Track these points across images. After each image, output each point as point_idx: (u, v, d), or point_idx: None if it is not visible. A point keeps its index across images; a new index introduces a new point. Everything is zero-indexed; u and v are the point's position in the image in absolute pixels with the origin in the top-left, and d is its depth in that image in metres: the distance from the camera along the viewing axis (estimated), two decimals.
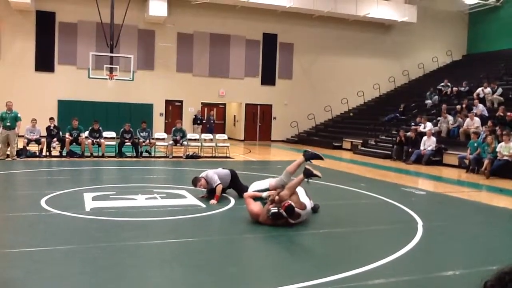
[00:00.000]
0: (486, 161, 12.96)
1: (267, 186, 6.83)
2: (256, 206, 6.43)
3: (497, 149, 13.11)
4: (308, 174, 6.59)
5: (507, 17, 26.30)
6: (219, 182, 7.91)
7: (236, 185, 8.43)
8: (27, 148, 13.90)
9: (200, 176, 8.02)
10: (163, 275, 4.44)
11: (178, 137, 15.47)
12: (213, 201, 7.71)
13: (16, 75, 20.98)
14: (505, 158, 12.79)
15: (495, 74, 21.57)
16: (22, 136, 14.18)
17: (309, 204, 6.74)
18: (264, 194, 6.56)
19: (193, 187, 8.15)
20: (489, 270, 1.07)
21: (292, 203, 6.18)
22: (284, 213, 6.06)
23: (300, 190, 6.75)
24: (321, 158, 6.93)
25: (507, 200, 9.51)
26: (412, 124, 18.11)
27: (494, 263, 4.92)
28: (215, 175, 7.99)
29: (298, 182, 6.54)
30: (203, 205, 7.56)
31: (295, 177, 6.83)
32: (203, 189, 8.07)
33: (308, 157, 6.91)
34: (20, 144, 14.03)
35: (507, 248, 5.88)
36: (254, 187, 7.09)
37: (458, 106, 17.98)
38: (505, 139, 13.07)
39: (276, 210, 6.05)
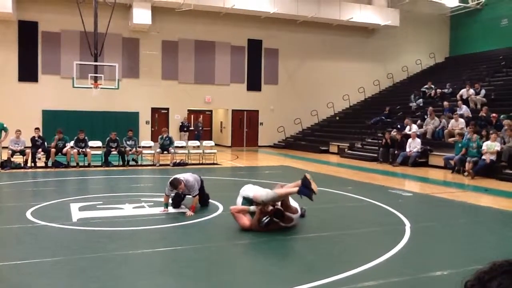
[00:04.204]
0: (468, 164, 13.15)
1: (252, 196, 6.60)
2: (246, 221, 6.35)
3: (483, 148, 13.27)
4: (304, 193, 6.14)
5: (488, 19, 26.73)
6: (197, 192, 7.63)
7: (202, 192, 7.99)
8: (12, 159, 13.72)
9: (180, 178, 7.52)
10: (152, 284, 4.41)
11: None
12: (190, 213, 7.37)
13: None
14: (490, 157, 12.94)
15: (477, 76, 21.90)
16: (7, 147, 14.00)
17: (299, 207, 6.74)
18: (252, 208, 6.47)
19: (172, 189, 7.50)
20: (476, 269, 1.10)
21: (280, 208, 6.21)
22: (275, 219, 6.09)
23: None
24: (311, 199, 6.24)
25: (492, 200, 9.63)
26: (398, 126, 18.24)
27: (481, 262, 4.94)
28: (195, 183, 7.64)
29: (289, 193, 6.36)
30: (192, 213, 7.52)
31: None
32: (168, 202, 7.64)
33: (302, 193, 6.17)
34: (5, 155, 13.85)
35: (493, 247, 5.94)
36: (244, 192, 6.85)
37: (446, 103, 18.18)
38: (492, 138, 13.23)
39: (268, 219, 6.08)
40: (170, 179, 7.51)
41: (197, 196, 7.63)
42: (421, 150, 15.83)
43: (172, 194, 7.70)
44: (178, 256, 5.39)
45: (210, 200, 8.18)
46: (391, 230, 6.67)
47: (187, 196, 7.82)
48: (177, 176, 7.63)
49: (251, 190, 6.62)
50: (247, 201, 6.56)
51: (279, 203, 6.42)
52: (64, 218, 7.01)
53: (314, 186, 6.14)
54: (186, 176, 7.67)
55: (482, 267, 1.04)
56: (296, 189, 6.20)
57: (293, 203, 6.64)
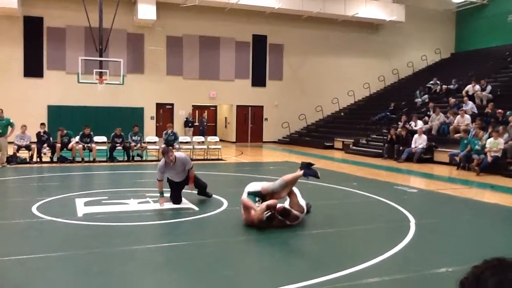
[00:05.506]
0: (475, 160, 13.07)
1: (260, 189, 6.68)
2: (251, 213, 6.37)
3: (486, 145, 13.22)
4: (310, 174, 6.64)
5: (494, 15, 26.55)
6: (192, 165, 7.97)
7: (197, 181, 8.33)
8: (17, 154, 13.78)
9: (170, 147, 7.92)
10: (157, 280, 4.42)
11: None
12: (191, 186, 7.87)
13: (5, 81, 20.80)
14: (493, 154, 12.89)
15: (483, 72, 21.77)
16: (12, 142, 14.06)
17: (305, 206, 6.72)
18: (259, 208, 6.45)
19: (164, 154, 7.61)
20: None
21: (287, 207, 6.20)
22: (279, 217, 6.08)
23: (296, 191, 6.72)
24: (318, 177, 6.80)
25: (498, 196, 9.59)
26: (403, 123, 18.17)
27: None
28: (188, 158, 8.06)
29: (296, 177, 6.48)
30: (196, 208, 7.54)
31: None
32: (163, 200, 7.68)
33: (308, 174, 6.69)
34: (10, 150, 13.91)
35: (498, 244, 5.92)
36: (249, 188, 6.89)
37: (453, 100, 18.10)
38: (494, 135, 13.18)
39: (270, 213, 6.05)
40: (162, 148, 7.86)
41: (193, 171, 7.91)
42: (426, 146, 15.77)
43: (164, 193, 7.70)
44: (182, 251, 5.40)
45: (214, 196, 8.18)
46: (396, 226, 6.66)
47: (183, 189, 7.99)
48: None
49: (257, 185, 6.72)
50: (254, 195, 6.56)
51: (287, 202, 6.44)
52: (69, 213, 7.04)
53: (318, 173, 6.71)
54: (177, 153, 7.97)
55: (476, 264, 1.15)
56: (302, 172, 6.58)
57: (301, 201, 6.62)
